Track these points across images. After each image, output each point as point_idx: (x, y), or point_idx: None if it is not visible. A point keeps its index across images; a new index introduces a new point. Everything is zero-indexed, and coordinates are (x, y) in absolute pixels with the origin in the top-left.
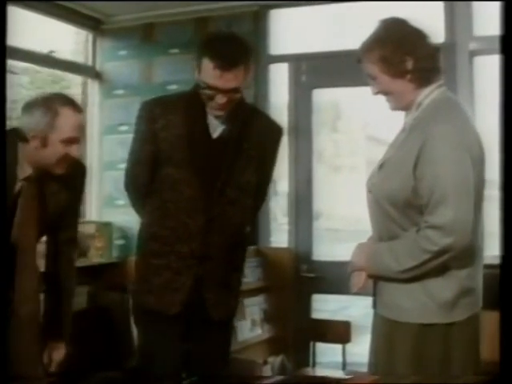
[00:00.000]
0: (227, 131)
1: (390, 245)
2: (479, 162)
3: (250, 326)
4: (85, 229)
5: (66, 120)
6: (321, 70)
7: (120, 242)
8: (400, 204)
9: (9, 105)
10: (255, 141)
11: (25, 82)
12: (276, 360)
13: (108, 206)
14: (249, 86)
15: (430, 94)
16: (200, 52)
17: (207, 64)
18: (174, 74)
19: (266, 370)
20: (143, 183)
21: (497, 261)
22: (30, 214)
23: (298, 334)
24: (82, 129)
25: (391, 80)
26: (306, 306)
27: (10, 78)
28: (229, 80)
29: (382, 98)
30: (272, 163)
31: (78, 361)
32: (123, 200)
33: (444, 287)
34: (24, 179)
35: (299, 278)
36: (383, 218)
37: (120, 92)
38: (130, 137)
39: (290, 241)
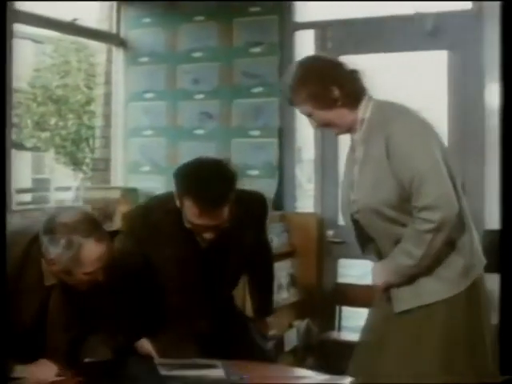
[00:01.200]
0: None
1: (399, 247)
2: (439, 140)
3: (277, 289)
4: (110, 194)
5: (89, 254)
6: (347, 36)
7: None
8: (396, 203)
9: (32, 73)
10: (244, 227)
11: (49, 51)
12: (302, 324)
13: (133, 173)
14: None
15: (366, 109)
16: (181, 190)
17: (191, 206)
18: (198, 41)
19: (292, 334)
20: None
21: None
22: (59, 317)
23: (324, 298)
24: (104, 256)
25: (326, 112)
26: (332, 271)
27: (33, 47)
28: (213, 218)
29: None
30: (263, 230)
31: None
32: (148, 166)
33: (454, 260)
34: (51, 286)
35: (325, 243)
36: (386, 224)
37: (145, 59)
38: (155, 104)
39: (315, 206)
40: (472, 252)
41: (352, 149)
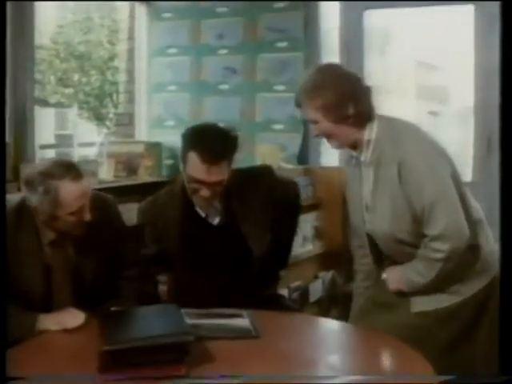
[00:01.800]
0: (228, 212)
1: (412, 265)
2: (449, 160)
3: (302, 241)
4: (134, 148)
5: (67, 194)
6: None
7: (169, 161)
8: (411, 229)
9: (54, 29)
10: (257, 198)
11: (70, 7)
12: (327, 275)
13: (157, 127)
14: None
15: (373, 129)
16: (187, 145)
17: (194, 158)
18: None
19: (317, 285)
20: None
21: None
22: (65, 275)
23: (349, 250)
24: (86, 194)
25: (334, 125)
26: None
27: (55, 4)
28: (214, 174)
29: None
30: (280, 191)
31: None
32: (172, 121)
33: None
34: (50, 244)
35: None
36: (401, 246)
37: (168, 15)
38: (178, 59)
39: (340, 161)
40: (487, 254)
41: (355, 166)
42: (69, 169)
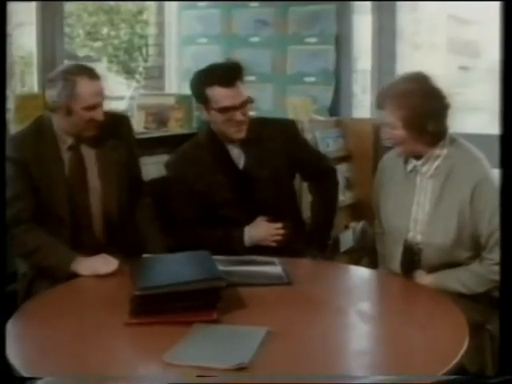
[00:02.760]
0: (251, 157)
1: (454, 274)
2: None
3: None
4: (164, 100)
5: (83, 89)
6: None
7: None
8: (469, 247)
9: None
10: (278, 146)
11: None
12: (357, 225)
13: (187, 80)
14: None
15: (444, 146)
16: (200, 88)
17: (214, 91)
18: None
19: (348, 235)
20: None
21: None
22: (80, 177)
23: None
24: (100, 94)
25: (409, 138)
26: None
27: None
28: (239, 94)
29: None
30: (304, 147)
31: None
32: None
33: None
34: (68, 149)
35: (381, 148)
36: (444, 261)
37: None
38: (208, 12)
39: (372, 113)
40: None
41: (410, 172)
42: (87, 69)
